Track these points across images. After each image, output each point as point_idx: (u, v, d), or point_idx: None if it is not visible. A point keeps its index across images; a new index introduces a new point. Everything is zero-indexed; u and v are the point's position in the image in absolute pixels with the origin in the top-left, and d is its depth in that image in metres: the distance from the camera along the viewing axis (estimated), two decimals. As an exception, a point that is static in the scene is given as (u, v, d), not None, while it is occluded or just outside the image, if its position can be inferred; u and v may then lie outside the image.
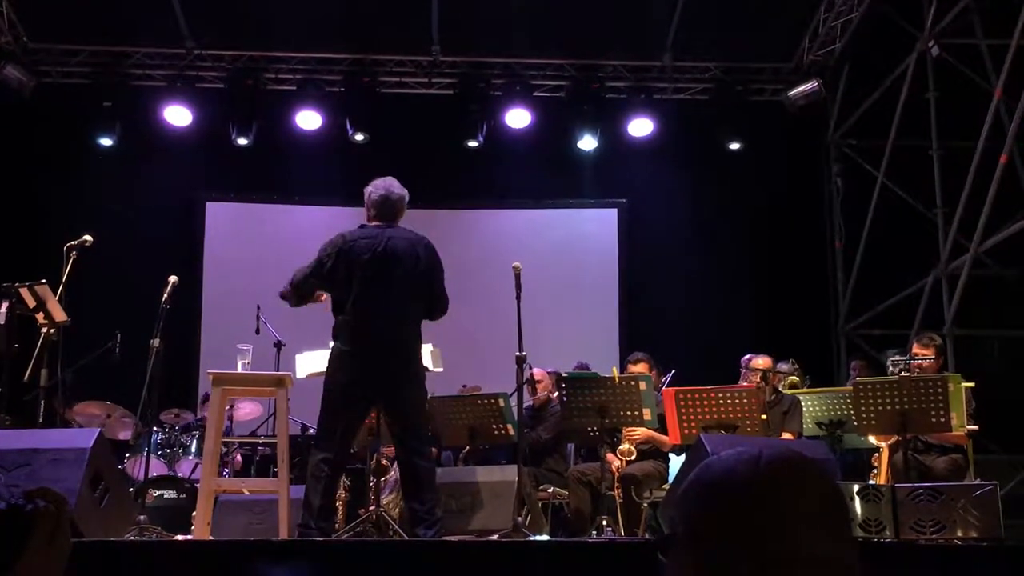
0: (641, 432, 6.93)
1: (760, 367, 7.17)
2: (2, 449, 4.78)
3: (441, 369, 6.56)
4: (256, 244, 11.63)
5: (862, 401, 6.22)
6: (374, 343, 5.52)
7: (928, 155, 10.06)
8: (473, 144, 11.37)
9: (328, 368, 5.63)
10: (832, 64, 11.45)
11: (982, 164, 8.98)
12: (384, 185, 5.82)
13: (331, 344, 5.70)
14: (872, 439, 6.69)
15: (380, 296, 5.54)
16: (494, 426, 6.85)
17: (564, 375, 7.12)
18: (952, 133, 9.95)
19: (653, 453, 7.16)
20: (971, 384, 6.75)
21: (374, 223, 5.78)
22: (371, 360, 5.50)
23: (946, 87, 9.98)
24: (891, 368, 6.88)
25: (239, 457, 8.78)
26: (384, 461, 6.99)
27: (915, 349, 6.99)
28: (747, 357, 7.41)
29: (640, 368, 7.38)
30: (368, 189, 5.85)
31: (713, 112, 11.63)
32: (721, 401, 6.47)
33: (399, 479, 6.86)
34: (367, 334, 5.51)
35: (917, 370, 6.68)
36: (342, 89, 11.48)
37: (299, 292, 5.75)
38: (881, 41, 10.72)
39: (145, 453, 6.97)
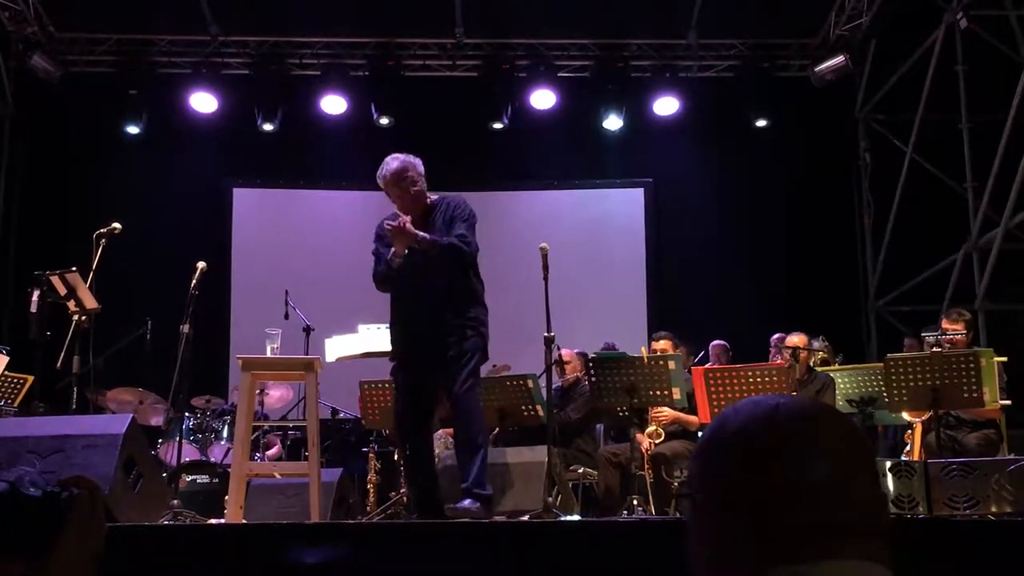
0: (668, 413, 6.91)
1: (795, 344, 7.13)
2: (36, 436, 4.81)
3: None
4: (283, 229, 11.69)
5: (893, 377, 6.17)
6: None
7: (957, 129, 9.95)
8: (498, 126, 11.37)
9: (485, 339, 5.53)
10: (859, 38, 11.32)
11: (1012, 137, 8.88)
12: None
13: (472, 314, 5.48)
14: (906, 416, 6.64)
15: None
16: (523, 407, 6.85)
17: (593, 355, 7.11)
18: (982, 106, 9.83)
19: (683, 432, 7.15)
20: (1003, 359, 6.70)
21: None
22: None
23: (975, 60, 9.86)
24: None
25: (277, 445, 8.82)
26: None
27: (944, 324, 6.92)
28: (777, 336, 7.38)
29: (664, 346, 7.36)
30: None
31: (739, 89, 11.56)
32: (751, 379, 6.44)
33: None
34: None
35: (948, 345, 6.62)
36: (366, 73, 11.48)
37: None
38: (908, 14, 10.57)
39: (177, 438, 7.03)
